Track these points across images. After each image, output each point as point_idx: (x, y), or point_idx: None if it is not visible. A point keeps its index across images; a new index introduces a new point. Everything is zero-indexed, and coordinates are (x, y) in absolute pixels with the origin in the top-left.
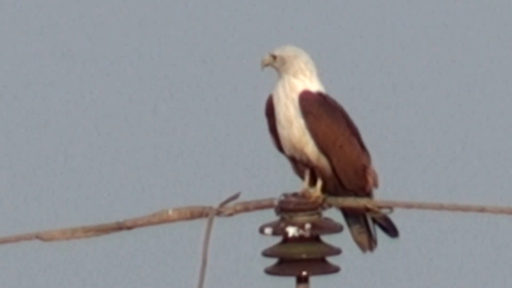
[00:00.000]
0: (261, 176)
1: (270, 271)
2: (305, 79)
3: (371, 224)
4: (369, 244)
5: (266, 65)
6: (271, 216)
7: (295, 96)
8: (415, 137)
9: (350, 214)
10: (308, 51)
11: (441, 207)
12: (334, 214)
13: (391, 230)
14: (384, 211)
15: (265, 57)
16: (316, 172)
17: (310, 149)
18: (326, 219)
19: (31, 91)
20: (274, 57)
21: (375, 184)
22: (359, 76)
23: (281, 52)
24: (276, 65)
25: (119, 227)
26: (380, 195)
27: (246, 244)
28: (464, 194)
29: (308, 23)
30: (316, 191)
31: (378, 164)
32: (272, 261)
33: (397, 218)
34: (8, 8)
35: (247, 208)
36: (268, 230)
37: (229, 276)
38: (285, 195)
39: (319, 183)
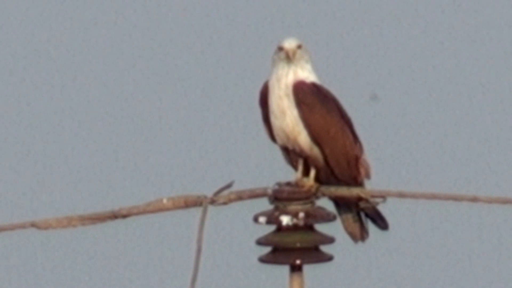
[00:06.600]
0: (255, 166)
1: (264, 260)
2: (308, 70)
3: (362, 215)
4: (361, 234)
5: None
6: (265, 205)
7: (289, 86)
8: (408, 128)
9: (342, 204)
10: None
11: (433, 197)
12: (327, 204)
13: (381, 222)
14: (377, 200)
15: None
16: (309, 162)
17: (303, 139)
18: (320, 208)
19: (26, 82)
20: (299, 47)
21: (368, 175)
22: (352, 66)
23: (301, 42)
24: (297, 56)
25: (114, 215)
26: (372, 185)
27: (240, 232)
28: (457, 184)
29: (300, 13)
30: (310, 181)
31: (371, 155)
32: (266, 250)
33: (389, 207)
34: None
35: (241, 197)
36: (262, 219)
37: (223, 264)
38: (279, 184)
39: (313, 172)
